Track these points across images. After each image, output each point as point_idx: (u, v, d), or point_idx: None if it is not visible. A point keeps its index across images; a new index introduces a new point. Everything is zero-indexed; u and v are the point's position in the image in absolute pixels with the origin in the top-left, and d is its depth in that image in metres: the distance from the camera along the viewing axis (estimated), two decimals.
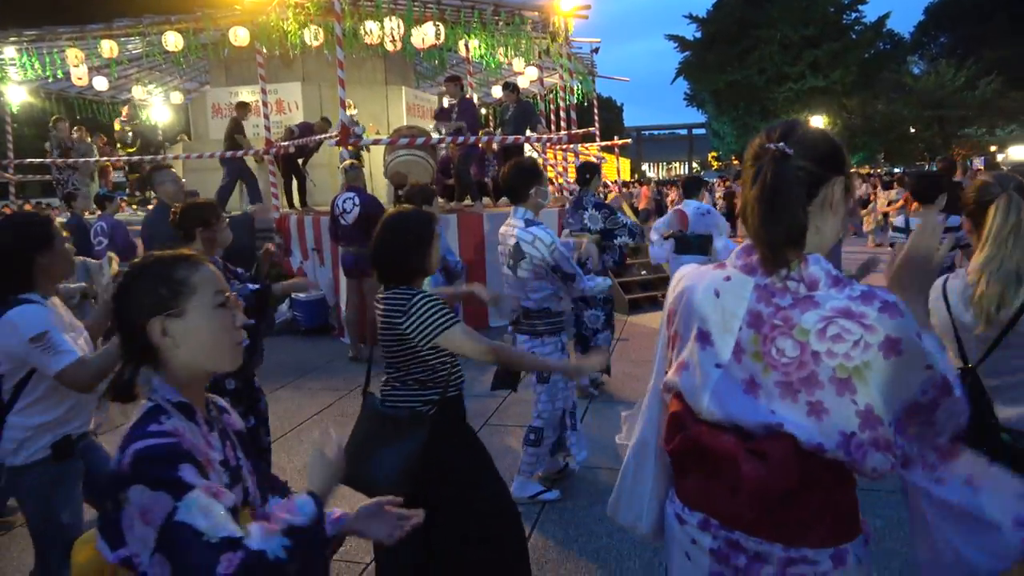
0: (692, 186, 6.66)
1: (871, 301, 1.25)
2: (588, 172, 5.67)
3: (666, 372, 1.55)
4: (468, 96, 10.57)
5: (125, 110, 14.21)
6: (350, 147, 8.56)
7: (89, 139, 12.79)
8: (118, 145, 13.66)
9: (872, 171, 30.80)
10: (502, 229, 3.84)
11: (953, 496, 1.31)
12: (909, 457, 1.32)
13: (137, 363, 1.40)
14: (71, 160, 11.78)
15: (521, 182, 3.64)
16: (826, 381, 1.27)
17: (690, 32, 37.17)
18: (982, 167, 22.71)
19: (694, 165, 59.05)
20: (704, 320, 1.43)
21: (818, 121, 33.01)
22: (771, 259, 1.33)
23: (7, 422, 2.37)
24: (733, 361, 1.37)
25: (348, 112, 11.27)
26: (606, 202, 5.62)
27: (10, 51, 11.63)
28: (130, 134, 13.41)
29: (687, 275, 1.53)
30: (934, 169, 10.85)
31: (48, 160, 12.03)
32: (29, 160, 13.04)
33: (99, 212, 8.01)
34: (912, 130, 34.23)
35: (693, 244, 6.18)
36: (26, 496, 2.48)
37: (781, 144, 1.32)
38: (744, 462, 1.32)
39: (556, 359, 3.71)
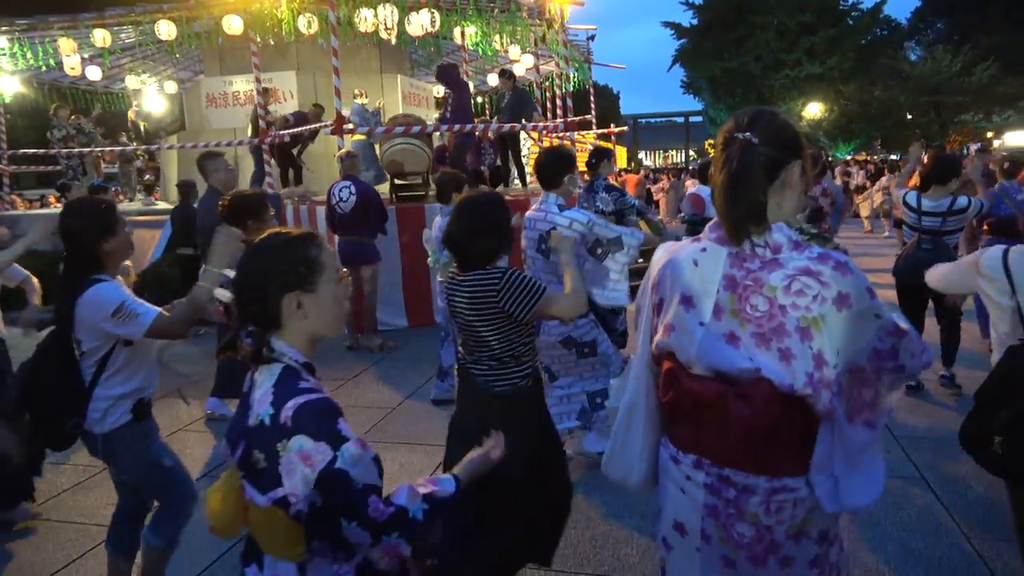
0: (706, 172, 6.90)
1: (826, 261, 1.48)
2: (596, 157, 5.85)
3: (652, 337, 1.73)
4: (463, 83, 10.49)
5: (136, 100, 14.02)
6: (348, 136, 8.51)
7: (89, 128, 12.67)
8: (131, 134, 13.49)
9: (869, 158, 30.78)
10: (529, 214, 3.94)
11: (847, 430, 1.52)
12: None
13: (264, 329, 1.55)
14: (77, 150, 11.69)
15: (557, 169, 3.77)
16: (792, 330, 1.49)
17: (686, 19, 36.96)
18: (976, 151, 22.66)
19: (691, 153, 58.94)
20: (686, 287, 1.63)
21: (814, 108, 32.98)
22: (734, 234, 1.55)
23: (94, 393, 2.56)
24: (714, 319, 1.58)
25: (360, 101, 11.24)
26: (616, 185, 5.81)
27: (1, 41, 11.53)
28: (143, 124, 13.24)
29: (668, 249, 1.75)
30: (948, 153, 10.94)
31: (53, 151, 11.98)
32: (23, 151, 12.97)
33: None
34: (909, 116, 34.17)
35: (704, 228, 6.33)
36: (122, 457, 2.67)
37: (747, 134, 1.52)
38: (733, 405, 1.53)
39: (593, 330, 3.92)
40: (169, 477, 2.76)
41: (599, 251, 3.70)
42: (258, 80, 10.15)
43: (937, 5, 37.86)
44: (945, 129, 33.18)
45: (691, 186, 22.28)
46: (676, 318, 1.64)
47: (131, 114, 13.52)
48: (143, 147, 12.78)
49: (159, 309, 2.49)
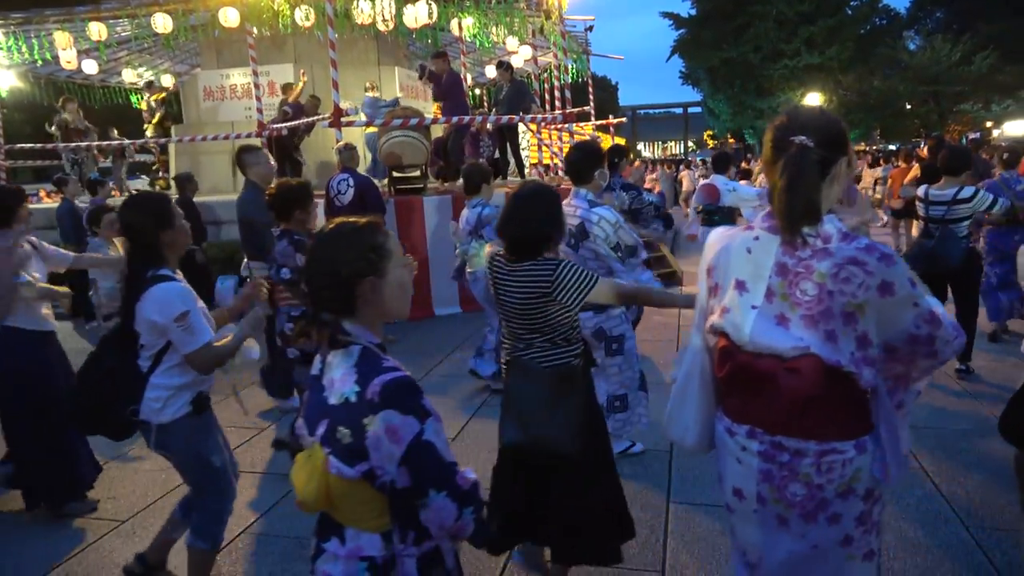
0: (721, 162, 7.18)
1: (872, 252, 1.61)
2: (616, 155, 5.78)
3: (707, 318, 1.91)
4: (455, 71, 10.43)
5: (156, 92, 13.79)
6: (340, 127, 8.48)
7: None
8: (146, 125, 13.30)
9: (867, 148, 30.72)
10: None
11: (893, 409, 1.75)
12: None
13: (337, 315, 1.62)
14: (84, 144, 11.63)
15: (587, 164, 3.80)
16: (838, 314, 1.64)
17: (685, 9, 37.00)
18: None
19: (690, 144, 58.83)
20: (740, 272, 1.79)
21: (814, 98, 32.88)
22: (790, 230, 1.68)
23: (150, 383, 2.62)
24: (766, 302, 1.74)
25: (371, 94, 11.18)
26: (632, 183, 5.85)
27: None
28: (158, 115, 13.09)
29: (720, 237, 1.89)
30: (960, 144, 10.96)
31: (50, 145, 11.93)
32: (20, 146, 12.93)
33: (91, 197, 7.96)
34: (908, 106, 34.10)
35: (720, 217, 6.72)
36: (178, 449, 2.72)
37: (803, 137, 1.65)
38: (782, 377, 1.71)
39: (623, 325, 3.96)
40: (214, 477, 2.79)
41: (618, 254, 3.71)
42: (254, 74, 10.10)
43: None
44: (944, 119, 33.11)
45: (685, 177, 22.27)
46: (731, 301, 1.80)
47: (143, 104, 13.31)
48: (158, 139, 12.59)
49: (212, 337, 2.57)
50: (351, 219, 1.69)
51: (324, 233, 1.66)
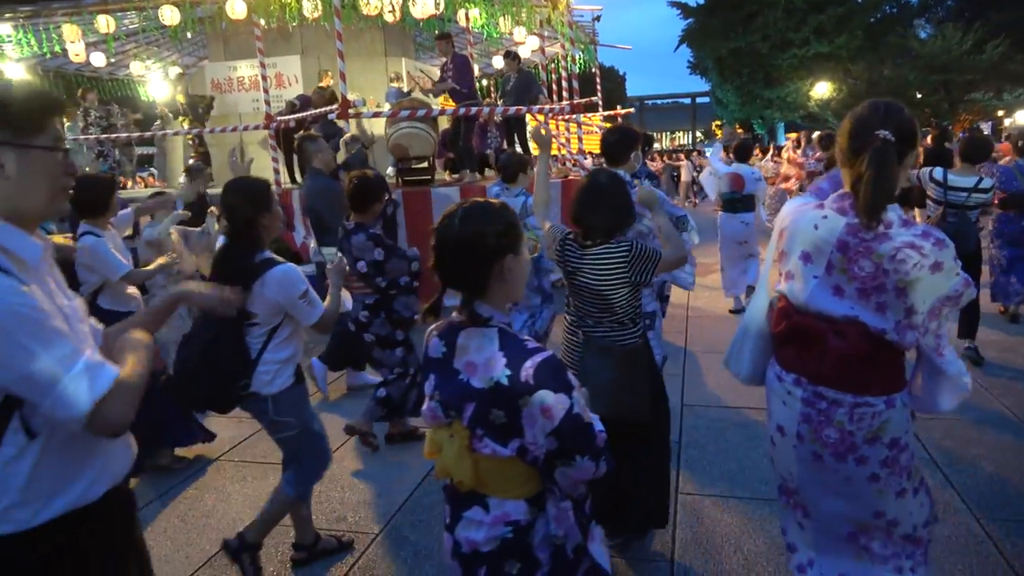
0: (743, 151, 7.46)
1: (928, 238, 1.87)
2: (645, 144, 5.90)
3: (772, 277, 2.23)
4: (461, 53, 10.36)
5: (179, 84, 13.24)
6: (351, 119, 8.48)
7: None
8: (180, 117, 13.00)
9: None
10: None
11: (940, 363, 2.01)
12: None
13: (470, 295, 1.68)
14: (115, 136, 11.60)
15: (623, 147, 3.91)
16: (890, 289, 1.91)
17: None
18: (989, 132, 22.47)
19: (698, 134, 58.51)
20: (806, 244, 2.04)
21: (822, 88, 32.64)
22: (871, 217, 1.89)
23: (263, 358, 2.81)
24: (826, 274, 2.00)
25: (396, 85, 11.13)
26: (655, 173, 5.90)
27: (6, 28, 11.50)
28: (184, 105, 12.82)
29: (793, 211, 2.16)
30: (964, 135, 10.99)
31: (72, 137, 11.88)
32: None
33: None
34: (918, 95, 33.79)
35: (742, 204, 7.15)
36: (286, 416, 2.91)
37: (887, 132, 1.86)
38: (831, 338, 2.00)
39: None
40: (314, 440, 3.03)
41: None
42: (262, 66, 10.08)
43: None
44: (955, 108, 32.81)
45: (683, 168, 22.13)
46: (795, 268, 2.08)
47: (181, 96, 13.02)
48: (193, 131, 12.35)
49: (324, 305, 2.82)
50: (480, 199, 1.74)
51: (462, 212, 1.67)
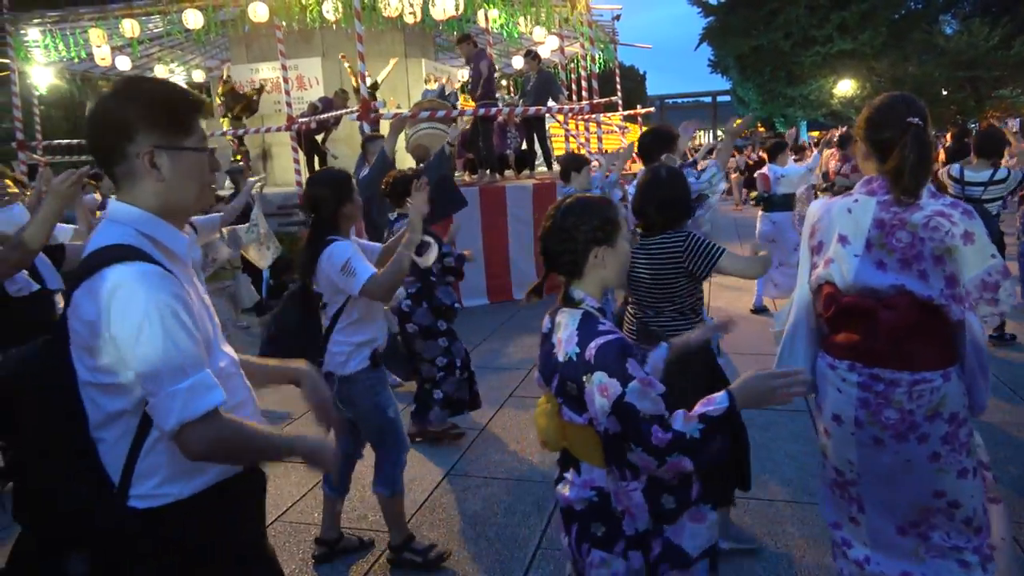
0: (776, 151, 7.52)
1: (956, 207, 2.02)
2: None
3: (812, 272, 2.29)
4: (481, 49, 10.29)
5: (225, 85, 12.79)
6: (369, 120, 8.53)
7: None
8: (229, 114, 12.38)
9: None
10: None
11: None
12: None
13: (568, 278, 1.88)
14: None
15: (656, 147, 4.01)
16: (928, 256, 2.01)
17: None
18: (1017, 129, 22.00)
19: (718, 133, 58.11)
20: (843, 228, 2.17)
21: (846, 85, 32.26)
22: (913, 194, 2.05)
23: (332, 339, 2.94)
24: (866, 251, 2.11)
25: (431, 86, 11.15)
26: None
27: (34, 32, 11.73)
28: (238, 107, 12.54)
29: (821, 205, 2.31)
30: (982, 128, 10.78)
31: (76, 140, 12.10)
32: (57, 142, 13.20)
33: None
34: (944, 92, 33.27)
35: (771, 203, 7.22)
36: (359, 399, 3.00)
37: (916, 119, 2.06)
38: (881, 312, 2.08)
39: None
40: (391, 427, 3.09)
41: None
42: (283, 68, 10.16)
43: None
44: (982, 104, 32.27)
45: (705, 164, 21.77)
46: (835, 253, 2.18)
47: (218, 99, 12.85)
48: (234, 132, 12.17)
49: (374, 271, 2.79)
50: (585, 196, 1.96)
51: (565, 206, 1.90)
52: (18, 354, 1.50)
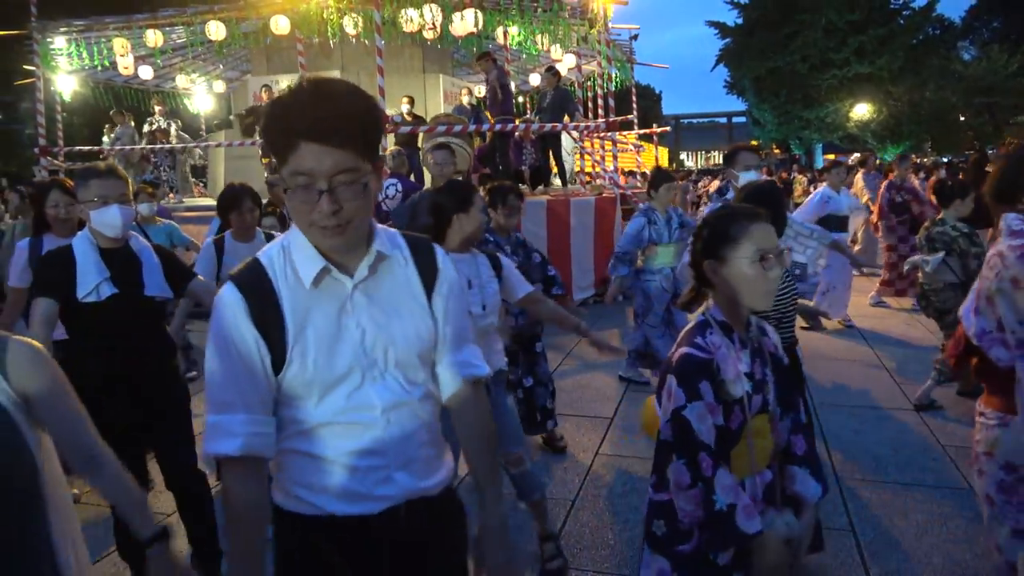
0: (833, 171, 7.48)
1: (1015, 250, 1.93)
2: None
3: None
4: (499, 66, 10.35)
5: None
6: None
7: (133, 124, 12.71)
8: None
9: (919, 160, 29.97)
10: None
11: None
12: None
13: (700, 288, 1.92)
14: (169, 146, 11.83)
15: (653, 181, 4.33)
16: (983, 295, 2.00)
17: (731, 18, 36.41)
18: None
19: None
20: None
21: (862, 109, 32.21)
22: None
23: None
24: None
25: (461, 101, 11.20)
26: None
27: (60, 41, 11.92)
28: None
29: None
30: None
31: (104, 147, 12.21)
32: (78, 148, 13.38)
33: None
34: (961, 118, 33.16)
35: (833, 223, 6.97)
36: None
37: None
38: (955, 336, 2.19)
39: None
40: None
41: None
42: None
43: (993, 3, 36.66)
44: (1000, 131, 32.12)
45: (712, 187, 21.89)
46: None
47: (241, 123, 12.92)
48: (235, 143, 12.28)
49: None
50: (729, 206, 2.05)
51: (706, 217, 1.99)
52: None
